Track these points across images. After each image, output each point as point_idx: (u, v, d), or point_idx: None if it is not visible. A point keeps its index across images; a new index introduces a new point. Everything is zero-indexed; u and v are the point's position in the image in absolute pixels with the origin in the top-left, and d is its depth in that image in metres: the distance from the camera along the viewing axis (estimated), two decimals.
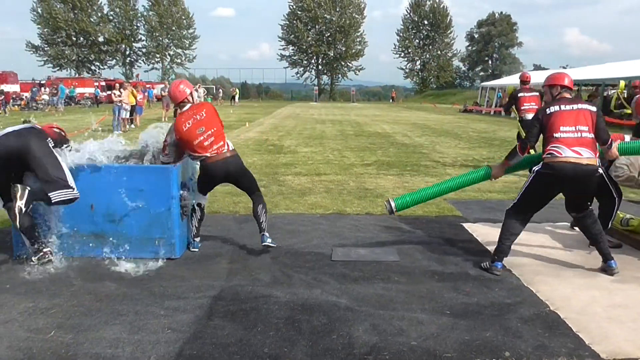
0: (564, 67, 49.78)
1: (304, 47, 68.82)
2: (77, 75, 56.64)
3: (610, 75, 24.54)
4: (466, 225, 5.80)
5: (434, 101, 54.51)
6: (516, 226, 4.35)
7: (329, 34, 68.24)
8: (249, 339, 3.11)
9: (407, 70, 73.90)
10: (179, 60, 69.26)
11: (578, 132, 4.13)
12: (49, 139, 4.31)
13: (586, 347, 3.06)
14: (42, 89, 37.89)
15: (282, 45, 70.66)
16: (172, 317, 3.41)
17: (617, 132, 5.72)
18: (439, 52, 72.75)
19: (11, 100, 33.96)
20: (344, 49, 68.66)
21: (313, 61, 70.80)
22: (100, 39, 63.46)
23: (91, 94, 41.50)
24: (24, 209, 3.97)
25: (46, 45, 62.46)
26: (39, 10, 60.61)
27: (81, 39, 62.83)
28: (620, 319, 3.44)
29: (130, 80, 46.04)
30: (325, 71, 71.57)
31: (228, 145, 4.68)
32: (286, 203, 6.76)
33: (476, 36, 75.76)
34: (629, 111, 10.67)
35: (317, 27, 68.38)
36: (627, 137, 5.00)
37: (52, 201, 4.10)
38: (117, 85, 19.33)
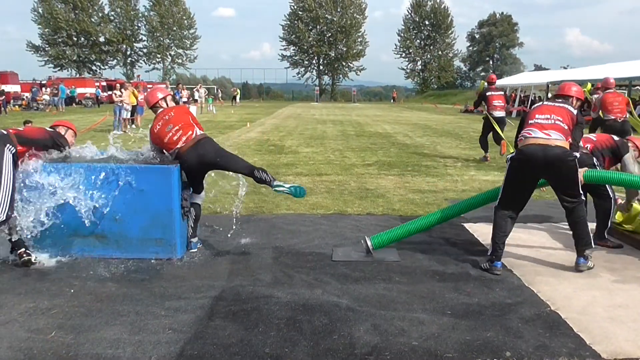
0: (564, 68, 49.78)
1: (305, 47, 68.88)
2: (78, 76, 56.67)
3: (610, 76, 24.45)
4: (467, 226, 5.79)
5: (435, 101, 54.52)
6: (505, 224, 4.37)
7: (330, 34, 68.33)
8: (250, 339, 3.11)
9: (408, 71, 74.10)
10: (180, 61, 69.53)
11: (551, 119, 4.30)
12: (10, 147, 4.20)
13: (587, 347, 3.06)
14: (43, 89, 37.92)
15: (284, 46, 70.98)
16: (173, 317, 3.41)
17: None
18: (440, 53, 72.81)
19: (12, 101, 34.01)
20: (345, 49, 68.72)
21: (314, 61, 70.89)
22: (101, 39, 63.57)
23: (92, 94, 41.58)
24: None
25: (47, 46, 62.54)
26: (40, 10, 60.73)
27: (82, 39, 62.93)
28: (621, 319, 3.45)
29: (131, 81, 46.13)
30: (326, 71, 71.68)
31: (196, 132, 4.70)
32: (287, 203, 6.76)
33: (477, 36, 75.84)
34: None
35: (318, 27, 68.46)
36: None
37: None
38: (118, 85, 19.33)
